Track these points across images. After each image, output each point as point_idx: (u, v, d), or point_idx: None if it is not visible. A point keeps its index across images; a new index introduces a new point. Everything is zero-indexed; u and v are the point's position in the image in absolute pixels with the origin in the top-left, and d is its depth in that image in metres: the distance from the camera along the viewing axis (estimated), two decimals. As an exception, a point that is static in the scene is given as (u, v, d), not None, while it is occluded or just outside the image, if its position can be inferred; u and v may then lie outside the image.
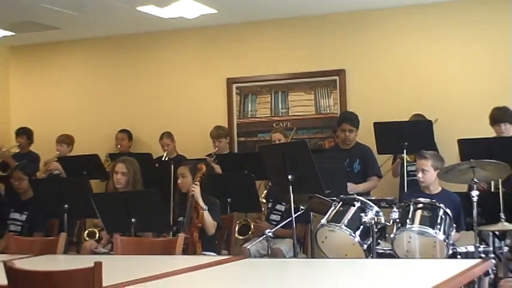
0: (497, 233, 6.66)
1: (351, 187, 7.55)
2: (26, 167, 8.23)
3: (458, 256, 5.94)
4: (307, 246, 7.66)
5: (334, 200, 6.24)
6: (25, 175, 7.93)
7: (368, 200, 6.24)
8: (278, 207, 7.86)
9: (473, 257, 5.86)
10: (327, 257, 6.05)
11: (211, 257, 4.92)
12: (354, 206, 6.05)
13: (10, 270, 3.60)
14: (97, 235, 8.09)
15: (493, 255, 6.12)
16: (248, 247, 7.12)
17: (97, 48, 10.85)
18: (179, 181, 6.99)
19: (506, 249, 6.48)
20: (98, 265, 3.47)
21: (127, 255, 4.92)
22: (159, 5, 8.88)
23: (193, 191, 6.76)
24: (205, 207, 6.73)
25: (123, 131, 10.13)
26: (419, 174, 6.62)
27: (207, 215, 6.73)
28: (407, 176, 7.92)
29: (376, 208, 6.02)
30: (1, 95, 11.10)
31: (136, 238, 5.61)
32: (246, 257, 4.96)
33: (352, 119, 8.03)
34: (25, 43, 10.87)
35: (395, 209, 5.97)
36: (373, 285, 3.61)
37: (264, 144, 9.34)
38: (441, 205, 5.94)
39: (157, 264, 4.52)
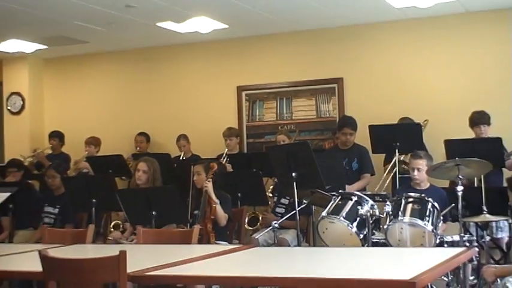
0: (479, 224, 6.62)
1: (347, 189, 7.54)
2: (58, 166, 8.22)
3: (445, 245, 5.87)
4: (309, 236, 7.64)
5: (333, 195, 6.22)
6: (57, 173, 7.92)
7: (364, 194, 6.22)
8: (282, 200, 7.83)
9: (458, 246, 5.81)
10: (327, 246, 6.03)
11: (224, 246, 4.86)
12: (351, 200, 5.99)
13: (44, 258, 3.61)
14: (121, 227, 8.07)
15: (476, 244, 6.07)
16: (256, 237, 7.11)
17: (121, 60, 10.84)
18: (194, 178, 6.96)
19: (488, 238, 6.44)
20: (123, 253, 3.47)
21: (148, 244, 4.90)
22: (176, 21, 8.89)
23: (206, 186, 6.75)
24: (217, 201, 6.71)
25: (141, 133, 10.11)
26: (415, 173, 6.58)
27: (219, 208, 6.71)
28: (399, 174, 7.88)
29: (371, 202, 5.97)
30: (36, 102, 11.09)
31: (157, 229, 5.59)
32: (255, 246, 4.90)
33: (352, 124, 8.01)
34: (57, 55, 10.86)
35: (388, 203, 5.93)
36: (368, 270, 3.59)
37: (271, 145, 9.34)
38: (430, 199, 5.88)
39: (176, 252, 4.51)
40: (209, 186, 6.74)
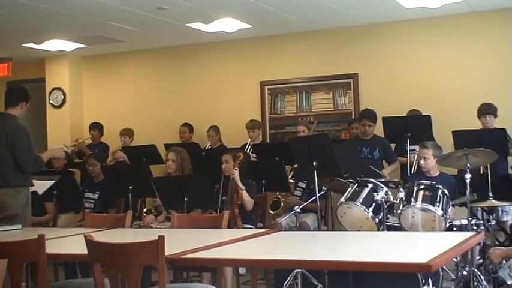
0: (486, 208, 6.61)
1: (385, 173, 7.59)
2: (98, 155, 8.27)
3: (454, 228, 5.89)
4: (327, 218, 7.64)
5: (350, 182, 6.23)
6: (97, 162, 7.97)
7: (378, 181, 6.22)
8: (300, 184, 7.88)
9: (466, 229, 5.82)
10: (345, 229, 6.04)
11: (251, 230, 4.89)
12: (367, 186, 6.00)
13: (90, 242, 3.64)
14: (153, 211, 8.12)
15: (483, 227, 6.05)
16: (280, 221, 7.14)
17: (153, 57, 10.86)
18: (223, 166, 6.96)
19: (493, 222, 6.42)
20: (161, 238, 3.49)
21: (182, 228, 4.92)
22: (204, 22, 8.91)
23: (233, 174, 6.77)
24: (243, 187, 6.74)
25: (185, 124, 10.05)
26: (422, 161, 6.57)
27: (245, 194, 6.74)
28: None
29: (385, 188, 5.98)
30: (76, 96, 11.15)
31: (190, 214, 5.61)
32: (280, 230, 4.92)
33: (371, 116, 7.96)
34: (94, 53, 10.90)
35: (401, 189, 5.93)
36: (387, 254, 3.59)
37: (292, 136, 9.37)
38: (440, 186, 5.89)
39: (208, 236, 4.52)
40: (236, 174, 6.77)
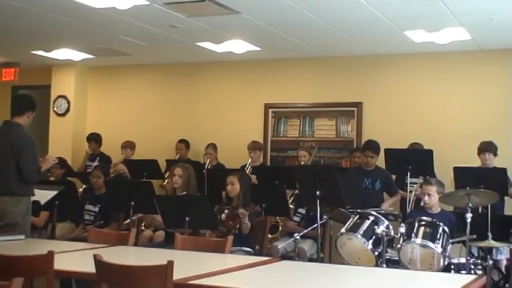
0: (483, 248, 6.65)
1: (385, 206, 7.62)
2: (103, 168, 8.31)
3: (452, 266, 5.93)
4: (324, 246, 7.67)
5: (352, 212, 6.28)
6: (102, 174, 7.99)
7: (379, 213, 6.28)
8: (300, 210, 7.88)
9: (464, 268, 5.87)
10: (344, 259, 6.08)
11: (254, 258, 4.89)
12: (369, 219, 6.08)
13: (99, 262, 3.67)
14: (151, 227, 8.14)
15: (480, 267, 6.09)
16: (279, 246, 7.18)
17: (160, 72, 10.91)
18: (228, 187, 6.95)
19: (491, 262, 6.45)
20: (171, 263, 3.53)
21: (185, 250, 4.94)
22: (214, 42, 8.96)
23: (243, 214, 6.62)
24: (248, 223, 6.66)
25: (181, 140, 10.10)
26: (426, 198, 6.59)
27: (247, 227, 6.72)
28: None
29: (386, 222, 6.05)
30: (80, 106, 11.19)
31: (194, 237, 5.62)
32: (277, 256, 4.95)
33: (375, 148, 8.03)
34: (102, 64, 10.96)
35: (402, 224, 5.97)
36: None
37: (292, 159, 9.48)
38: (441, 223, 5.95)
39: (212, 261, 4.56)
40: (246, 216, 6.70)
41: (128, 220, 7.03)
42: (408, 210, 7.68)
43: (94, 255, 3.67)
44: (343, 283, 3.94)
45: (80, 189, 8.93)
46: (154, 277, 3.54)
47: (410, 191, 7.97)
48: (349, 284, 3.98)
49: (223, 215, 6.82)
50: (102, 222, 7.56)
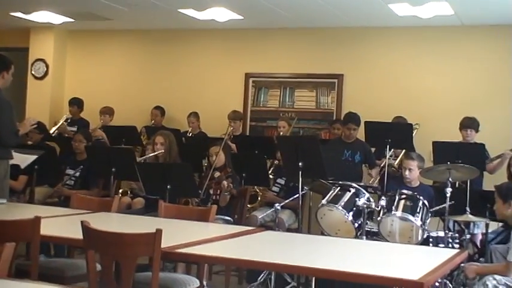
0: (461, 222, 6.75)
1: (374, 175, 7.74)
2: (86, 133, 8.27)
3: (431, 239, 6.02)
4: (303, 216, 7.72)
5: (333, 184, 6.33)
6: (84, 139, 7.94)
7: (359, 185, 6.33)
8: (279, 180, 7.94)
9: (442, 242, 5.96)
10: (324, 230, 6.13)
11: (238, 227, 4.91)
12: (350, 191, 6.13)
13: (86, 229, 3.67)
14: (128, 193, 8.14)
15: (457, 241, 6.19)
16: (259, 217, 7.23)
17: (140, 38, 10.81)
18: (214, 158, 6.97)
19: (468, 236, 6.57)
20: (159, 232, 3.54)
21: (169, 218, 4.95)
22: (197, 9, 8.89)
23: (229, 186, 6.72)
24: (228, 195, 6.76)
25: (157, 107, 10.07)
26: (406, 172, 6.67)
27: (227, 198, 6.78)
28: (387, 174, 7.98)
29: (367, 195, 6.10)
30: (58, 70, 11.04)
31: (177, 205, 5.62)
32: (263, 228, 4.98)
33: (356, 120, 8.03)
34: (81, 28, 10.81)
35: (383, 198, 6.04)
36: (377, 266, 3.65)
37: (272, 129, 9.51)
38: (421, 197, 6.03)
39: (196, 229, 4.59)
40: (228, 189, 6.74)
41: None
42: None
43: (82, 222, 3.67)
44: (325, 253, 3.97)
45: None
46: (142, 245, 3.56)
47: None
48: (331, 254, 4.01)
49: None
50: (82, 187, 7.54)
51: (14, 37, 11.10)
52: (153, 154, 7.26)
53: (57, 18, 9.96)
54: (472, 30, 8.93)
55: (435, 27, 8.98)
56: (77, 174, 7.65)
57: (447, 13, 8.21)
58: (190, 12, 9.04)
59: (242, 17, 9.18)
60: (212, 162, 6.97)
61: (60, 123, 9.59)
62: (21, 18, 10.04)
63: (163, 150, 7.22)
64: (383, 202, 5.97)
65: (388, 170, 7.70)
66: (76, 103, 10.13)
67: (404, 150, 7.92)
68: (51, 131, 9.43)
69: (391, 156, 8.03)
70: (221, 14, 9.05)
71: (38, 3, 9.21)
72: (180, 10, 8.98)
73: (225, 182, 6.54)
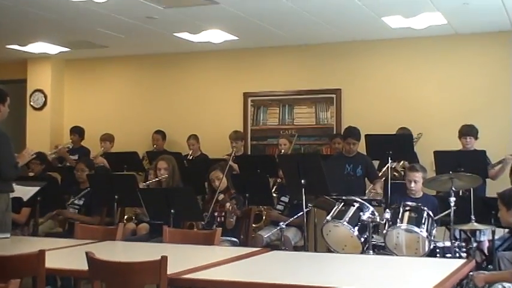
0: (467, 230, 6.71)
1: (374, 191, 7.65)
2: (88, 161, 8.27)
3: (437, 250, 5.99)
4: (308, 232, 7.69)
5: (336, 200, 6.31)
6: (87, 167, 7.94)
7: (363, 199, 6.31)
8: (283, 199, 7.94)
9: (449, 252, 5.92)
10: (330, 246, 6.11)
11: (244, 249, 4.88)
12: (354, 206, 6.11)
13: (91, 260, 3.65)
14: (133, 218, 8.12)
15: (464, 250, 6.16)
16: (265, 236, 7.21)
17: (138, 64, 10.83)
18: (216, 183, 6.90)
19: (474, 244, 6.53)
20: (164, 258, 3.53)
21: (174, 244, 4.93)
22: (192, 32, 8.93)
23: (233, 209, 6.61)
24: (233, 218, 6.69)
25: (158, 131, 10.06)
26: (412, 185, 6.63)
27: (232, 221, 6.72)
28: (391, 180, 7.96)
29: (371, 208, 6.09)
30: (57, 99, 11.08)
31: (182, 230, 5.61)
32: (269, 249, 4.95)
33: (356, 135, 8.02)
34: (78, 57, 10.84)
35: (387, 210, 6.03)
36: (387, 282, 3.64)
37: (273, 147, 9.51)
38: (425, 208, 6.00)
39: (202, 254, 4.57)
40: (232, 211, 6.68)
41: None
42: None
43: (86, 253, 3.65)
44: (334, 271, 3.96)
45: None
46: (148, 273, 3.54)
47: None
48: (340, 272, 4.00)
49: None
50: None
51: (11, 69, 11.14)
52: (156, 179, 7.27)
53: (53, 49, 10.00)
54: (466, 38, 8.95)
55: (430, 38, 8.99)
56: (81, 202, 7.64)
57: (440, 23, 8.23)
58: (185, 35, 9.07)
59: (237, 38, 9.20)
60: (215, 187, 6.92)
61: (60, 147, 9.59)
62: (17, 50, 10.08)
63: (167, 175, 7.22)
64: (387, 215, 5.95)
65: (391, 175, 7.69)
66: (77, 131, 10.14)
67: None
68: (49, 153, 9.42)
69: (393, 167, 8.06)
70: (216, 36, 9.08)
71: (34, 35, 9.26)
72: (175, 34, 9.01)
73: (228, 204, 6.50)
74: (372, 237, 6.02)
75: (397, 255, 5.75)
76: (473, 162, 7.33)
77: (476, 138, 8.01)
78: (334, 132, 9.41)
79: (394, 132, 8.51)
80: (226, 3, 7.39)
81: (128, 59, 10.82)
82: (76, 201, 7.69)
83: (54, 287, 6.33)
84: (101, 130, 10.18)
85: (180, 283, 3.66)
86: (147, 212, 6.60)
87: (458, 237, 6.76)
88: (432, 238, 5.91)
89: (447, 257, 5.84)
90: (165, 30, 8.76)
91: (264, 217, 7.94)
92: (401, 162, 8.24)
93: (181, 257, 4.39)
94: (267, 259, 4.40)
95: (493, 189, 7.38)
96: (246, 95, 10.06)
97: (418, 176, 6.62)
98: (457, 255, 5.95)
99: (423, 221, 5.91)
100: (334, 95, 9.58)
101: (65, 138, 10.43)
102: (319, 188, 6.24)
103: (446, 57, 9.07)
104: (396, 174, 8.23)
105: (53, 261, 3.95)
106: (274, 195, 7.98)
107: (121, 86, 10.91)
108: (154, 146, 9.95)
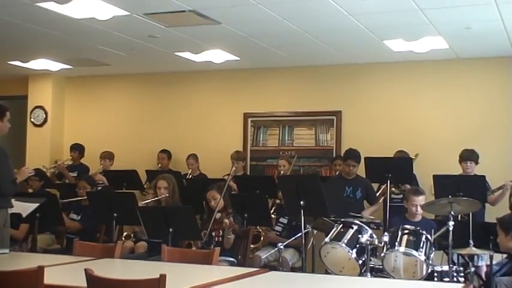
0: (465, 255, 6.74)
1: (366, 214, 7.67)
2: (90, 179, 8.33)
3: (435, 274, 6.01)
4: (306, 254, 7.71)
5: (335, 221, 6.34)
6: (88, 185, 8.01)
7: (362, 222, 6.34)
8: (281, 220, 7.98)
9: (447, 276, 5.95)
10: (328, 268, 6.13)
11: (242, 269, 4.92)
12: (352, 228, 6.13)
13: (90, 277, 3.68)
14: (131, 236, 8.14)
15: (462, 274, 6.18)
16: (263, 256, 7.23)
17: (139, 82, 10.91)
18: (212, 203, 6.92)
19: (473, 269, 6.55)
20: (163, 277, 3.54)
21: (172, 262, 4.95)
22: (193, 52, 9.01)
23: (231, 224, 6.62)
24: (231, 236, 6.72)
25: (163, 151, 10.12)
26: (418, 209, 6.68)
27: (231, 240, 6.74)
28: (390, 202, 7.99)
29: (370, 231, 6.11)
30: (58, 116, 11.15)
31: (180, 249, 5.64)
32: (267, 269, 4.97)
33: (356, 157, 8.08)
34: (79, 74, 10.92)
35: (386, 233, 6.06)
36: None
37: (272, 168, 9.54)
38: (423, 232, 6.03)
39: (200, 273, 4.59)
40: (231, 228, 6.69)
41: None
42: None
43: (85, 270, 3.67)
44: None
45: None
46: (147, 291, 3.55)
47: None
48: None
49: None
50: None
51: (12, 85, 11.22)
52: (156, 198, 7.31)
53: (55, 66, 10.08)
54: (468, 62, 9.02)
55: (431, 61, 9.09)
56: (79, 218, 7.69)
57: (442, 47, 8.30)
58: (186, 55, 9.14)
59: (238, 58, 9.28)
60: (212, 206, 6.95)
61: (59, 162, 9.65)
62: (19, 66, 10.15)
63: (167, 195, 7.26)
64: (386, 238, 5.98)
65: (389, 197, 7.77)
66: (78, 149, 10.20)
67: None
68: (48, 168, 9.47)
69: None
70: (217, 56, 9.15)
71: (35, 52, 9.33)
72: (176, 53, 9.09)
73: (226, 220, 6.52)
74: (370, 259, 6.02)
75: (394, 279, 5.77)
76: (473, 187, 7.39)
77: (476, 163, 8.07)
78: (334, 155, 9.47)
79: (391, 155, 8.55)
80: (228, 24, 7.47)
81: (129, 77, 10.90)
82: (75, 217, 7.73)
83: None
84: (100, 148, 10.24)
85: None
86: (146, 230, 6.62)
87: (456, 261, 6.78)
88: (430, 262, 5.93)
89: (445, 281, 5.85)
90: (167, 49, 8.84)
91: (262, 238, 7.97)
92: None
93: (180, 276, 4.41)
94: (265, 280, 4.42)
95: (492, 214, 7.44)
96: (246, 115, 10.13)
97: (423, 200, 6.66)
98: (455, 279, 5.97)
99: (421, 245, 5.93)
100: (334, 117, 9.65)
101: (65, 155, 10.48)
102: (318, 209, 6.27)
103: (447, 81, 9.15)
104: (395, 190, 8.31)
105: (51, 278, 3.96)
106: (273, 216, 8.02)
107: (121, 104, 10.98)
108: (159, 165, 9.99)
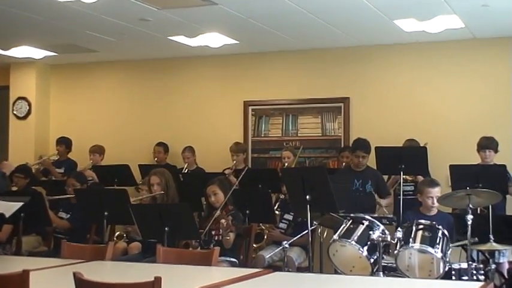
0: (485, 251, 6.74)
1: (384, 203, 7.75)
2: (80, 176, 8.33)
3: (453, 272, 5.99)
4: (313, 252, 7.70)
5: (344, 217, 6.33)
6: (77, 183, 8.02)
7: (373, 217, 6.33)
8: (286, 216, 7.94)
9: (466, 274, 5.94)
10: (337, 267, 6.12)
11: (245, 270, 4.91)
12: (363, 224, 6.11)
13: (79, 281, 3.68)
14: (124, 236, 8.14)
15: (482, 272, 6.17)
16: (266, 256, 7.23)
17: (129, 69, 10.91)
18: (212, 199, 6.90)
19: (493, 266, 6.55)
20: (158, 279, 3.54)
21: (169, 264, 4.95)
22: (188, 36, 8.99)
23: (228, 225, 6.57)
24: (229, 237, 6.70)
25: (160, 144, 10.11)
26: (435, 201, 6.64)
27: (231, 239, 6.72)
28: (403, 195, 7.99)
29: (382, 227, 6.09)
30: (42, 108, 11.15)
31: (177, 249, 5.64)
32: (271, 270, 4.97)
33: (366, 147, 8.05)
34: (65, 62, 10.93)
35: (399, 229, 6.03)
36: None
37: (275, 160, 9.52)
38: (440, 227, 6.01)
39: (199, 275, 4.59)
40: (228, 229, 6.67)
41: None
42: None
43: (74, 274, 3.67)
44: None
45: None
46: (140, 295, 3.55)
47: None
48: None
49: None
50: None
51: (-8, 75, 11.22)
52: (150, 195, 7.30)
53: (38, 53, 10.07)
54: (484, 43, 8.99)
55: (445, 42, 9.05)
56: (68, 216, 7.70)
57: (457, 26, 8.28)
58: (181, 39, 9.13)
59: (237, 42, 9.26)
60: (212, 202, 6.94)
61: (44, 158, 9.66)
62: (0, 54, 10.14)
63: (162, 192, 7.25)
64: (399, 234, 5.95)
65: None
66: (64, 142, 10.20)
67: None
68: (32, 163, 9.47)
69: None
70: (215, 40, 9.14)
71: (17, 38, 9.32)
72: (170, 37, 9.07)
73: (223, 221, 6.50)
74: (382, 257, 6.01)
75: (409, 278, 5.76)
76: (493, 178, 7.38)
77: (496, 151, 8.04)
78: (342, 145, 9.46)
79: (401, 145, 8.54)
80: (225, 4, 7.45)
81: (119, 64, 10.89)
82: (64, 216, 7.74)
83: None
84: (89, 141, 10.24)
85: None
86: (139, 230, 6.60)
87: (475, 258, 6.79)
88: (447, 259, 5.92)
89: (463, 280, 5.84)
90: (160, 33, 8.82)
91: (265, 236, 7.97)
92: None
93: (176, 279, 4.41)
94: (269, 281, 4.42)
95: (512, 206, 7.44)
96: (246, 104, 10.11)
97: (438, 191, 6.64)
98: (474, 277, 5.96)
99: (438, 241, 5.91)
100: (341, 104, 9.63)
101: (51, 150, 10.49)
102: (326, 204, 6.26)
103: (464, 62, 9.12)
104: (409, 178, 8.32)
105: (37, 283, 3.97)
106: (277, 212, 8.01)
107: (112, 94, 10.97)
108: (156, 159, 9.99)
